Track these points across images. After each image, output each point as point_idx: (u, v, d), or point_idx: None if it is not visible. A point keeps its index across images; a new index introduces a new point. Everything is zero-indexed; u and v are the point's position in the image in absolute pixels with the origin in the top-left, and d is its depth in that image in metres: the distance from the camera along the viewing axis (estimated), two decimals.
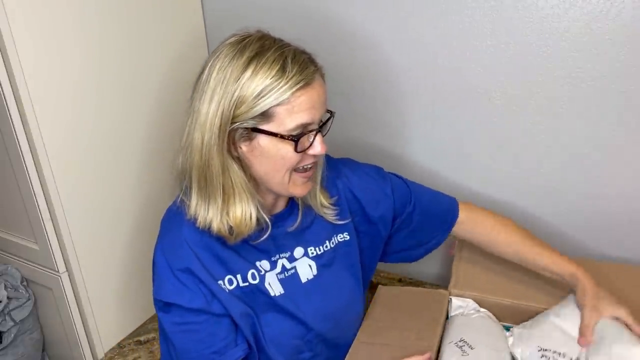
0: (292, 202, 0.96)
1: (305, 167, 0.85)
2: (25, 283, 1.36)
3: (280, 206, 0.95)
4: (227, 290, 0.88)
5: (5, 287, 1.32)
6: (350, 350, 0.96)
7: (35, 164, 1.14)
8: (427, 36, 1.26)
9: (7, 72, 1.06)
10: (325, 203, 0.96)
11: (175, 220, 0.90)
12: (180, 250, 0.86)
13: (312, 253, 0.97)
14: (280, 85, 0.77)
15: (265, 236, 0.89)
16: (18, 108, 1.09)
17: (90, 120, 1.22)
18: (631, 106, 1.14)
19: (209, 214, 0.84)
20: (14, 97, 1.08)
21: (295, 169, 0.84)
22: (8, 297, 1.31)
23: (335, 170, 1.02)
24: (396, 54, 1.31)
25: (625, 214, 1.23)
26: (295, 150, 0.81)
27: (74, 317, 1.30)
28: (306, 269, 0.96)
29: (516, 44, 1.18)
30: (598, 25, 1.10)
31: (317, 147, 0.83)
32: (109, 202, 1.30)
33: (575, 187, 1.26)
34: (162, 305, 0.88)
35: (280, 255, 0.94)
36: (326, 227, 0.98)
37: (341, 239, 1.00)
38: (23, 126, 1.11)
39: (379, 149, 1.44)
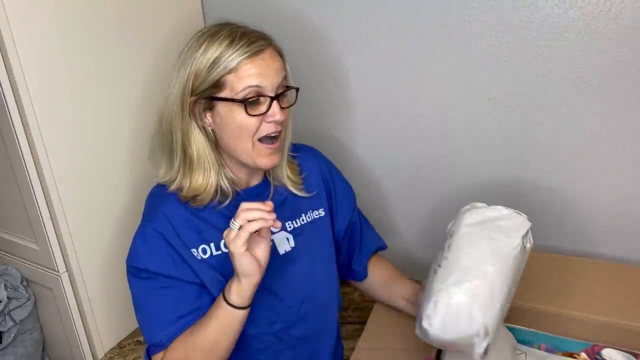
0: (266, 177, 1.01)
1: (269, 135, 0.89)
2: (25, 283, 1.36)
3: (255, 181, 1.00)
4: (199, 258, 0.92)
5: (5, 287, 1.32)
6: (351, 358, 0.96)
7: (35, 164, 1.15)
8: (427, 36, 1.26)
9: (7, 72, 1.06)
10: (291, 175, 1.01)
11: (157, 194, 0.96)
12: (156, 219, 0.92)
13: (290, 227, 1.00)
14: (228, 55, 0.86)
15: (226, 202, 0.94)
16: (18, 108, 1.09)
17: (91, 120, 1.22)
18: (631, 106, 1.14)
19: (174, 180, 0.93)
20: (14, 96, 1.08)
21: (260, 139, 0.89)
22: (8, 297, 1.31)
23: (315, 156, 1.09)
24: (395, 54, 1.31)
25: (625, 213, 1.23)
26: (247, 112, 0.86)
27: (74, 317, 1.30)
28: (283, 242, 0.99)
29: (516, 44, 1.18)
30: (598, 25, 1.10)
31: (275, 113, 0.88)
32: (109, 202, 1.30)
33: (575, 187, 1.26)
34: (134, 270, 0.92)
35: None
36: (302, 201, 1.02)
37: (317, 215, 1.04)
38: (23, 126, 1.11)
39: (377, 150, 1.44)
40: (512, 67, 1.20)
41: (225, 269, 0.92)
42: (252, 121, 0.87)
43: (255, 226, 0.80)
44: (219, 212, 0.94)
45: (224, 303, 0.85)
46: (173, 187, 0.93)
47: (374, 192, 1.48)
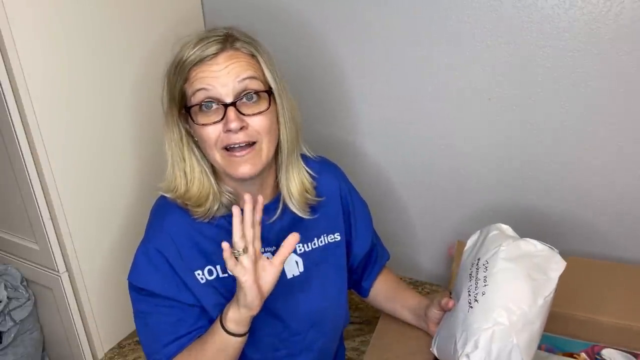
0: (278, 195, 0.95)
1: (231, 146, 0.84)
2: (25, 283, 1.36)
3: (264, 200, 0.94)
4: (202, 281, 0.89)
5: (5, 287, 1.32)
6: None
7: (35, 164, 1.14)
8: (427, 36, 1.26)
9: (7, 71, 1.06)
10: (295, 194, 0.94)
11: (161, 209, 0.93)
12: (159, 237, 0.89)
13: (300, 250, 0.96)
14: (182, 65, 0.84)
15: (228, 216, 0.89)
16: (18, 108, 1.09)
17: (91, 120, 1.22)
18: (631, 106, 1.14)
19: (173, 188, 0.90)
20: (14, 97, 1.08)
21: (226, 148, 0.84)
22: (8, 297, 1.31)
23: (336, 176, 1.03)
24: (395, 53, 1.31)
25: (626, 213, 1.24)
26: (194, 121, 0.84)
27: (74, 317, 1.30)
28: (292, 265, 0.95)
29: (516, 44, 1.18)
30: (598, 25, 1.10)
31: (229, 120, 0.81)
32: (109, 202, 1.30)
33: (575, 188, 1.26)
34: (136, 288, 0.90)
35: (266, 249, 0.93)
36: (316, 224, 0.97)
37: (331, 239, 0.99)
38: (23, 126, 1.11)
39: (384, 151, 1.44)
40: (512, 67, 1.20)
41: (230, 292, 0.89)
42: (208, 131, 0.83)
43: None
44: (226, 231, 0.89)
45: (220, 329, 0.83)
46: (174, 195, 0.90)
47: (384, 193, 1.48)
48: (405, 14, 1.26)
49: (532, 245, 0.88)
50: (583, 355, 1.01)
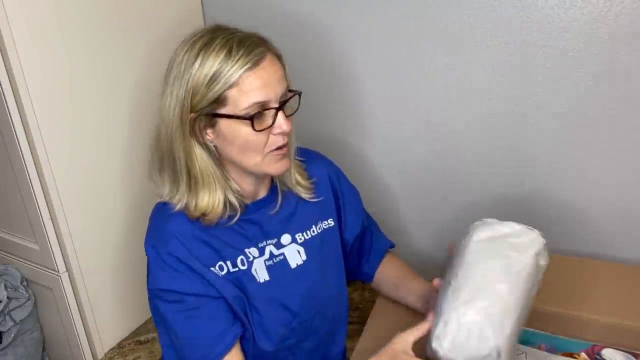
0: (273, 187, 0.98)
1: (278, 146, 0.87)
2: (25, 283, 1.36)
3: (263, 192, 0.97)
4: (219, 275, 0.90)
5: (5, 287, 1.32)
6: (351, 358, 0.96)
7: (35, 164, 1.15)
8: (427, 36, 1.26)
9: (7, 72, 1.06)
10: (300, 180, 0.98)
11: (162, 213, 0.93)
12: (169, 242, 0.88)
13: (300, 239, 0.98)
14: (227, 69, 0.80)
15: (235, 219, 0.91)
16: (18, 108, 1.09)
17: (91, 120, 1.22)
18: (631, 106, 1.14)
19: (180, 200, 0.89)
20: (14, 96, 1.08)
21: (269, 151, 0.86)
22: (8, 297, 1.31)
23: (323, 162, 1.06)
24: (394, 53, 1.31)
25: (625, 213, 1.24)
26: (254, 128, 0.82)
27: (74, 317, 1.31)
28: (295, 255, 0.97)
29: (516, 44, 1.18)
30: (598, 25, 1.10)
31: (282, 124, 0.84)
32: (109, 202, 1.30)
33: (575, 188, 1.26)
34: (161, 294, 0.89)
35: (267, 242, 0.95)
36: (311, 212, 1.00)
37: (326, 225, 1.02)
38: (23, 126, 1.11)
39: (385, 152, 1.44)
40: (512, 67, 1.20)
41: (241, 286, 0.91)
42: (259, 136, 0.83)
43: None
44: (229, 229, 0.91)
45: None
46: (179, 207, 0.89)
47: (382, 193, 1.48)
48: (404, 14, 1.26)
49: (509, 227, 0.86)
50: (583, 355, 1.01)
